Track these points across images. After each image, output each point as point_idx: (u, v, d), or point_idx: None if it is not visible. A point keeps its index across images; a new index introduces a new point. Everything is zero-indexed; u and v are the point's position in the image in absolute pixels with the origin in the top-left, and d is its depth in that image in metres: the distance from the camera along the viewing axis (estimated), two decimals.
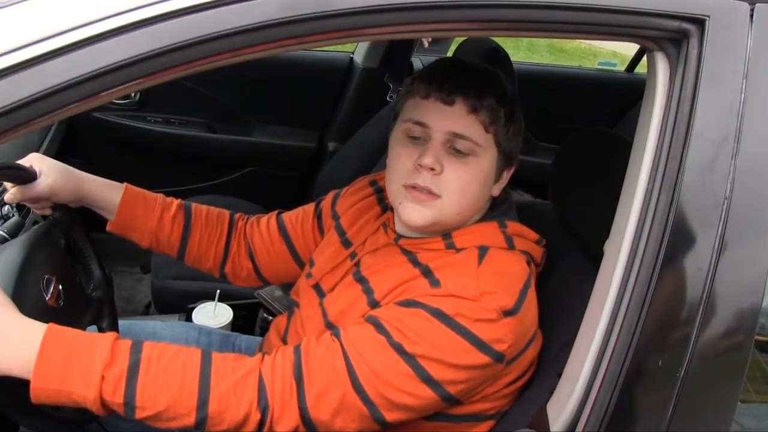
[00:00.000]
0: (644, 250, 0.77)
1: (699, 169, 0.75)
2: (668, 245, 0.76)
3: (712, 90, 0.75)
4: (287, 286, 1.39)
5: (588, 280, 0.86)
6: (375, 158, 1.93)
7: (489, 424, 0.98)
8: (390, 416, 0.87)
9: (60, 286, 0.98)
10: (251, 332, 1.55)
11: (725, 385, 0.81)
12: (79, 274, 1.10)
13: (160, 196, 1.21)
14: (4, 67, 0.62)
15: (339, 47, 2.62)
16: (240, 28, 0.64)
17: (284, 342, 1.13)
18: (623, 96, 2.82)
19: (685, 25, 0.74)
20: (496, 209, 1.03)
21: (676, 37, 0.75)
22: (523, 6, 0.71)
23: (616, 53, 5.77)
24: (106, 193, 1.15)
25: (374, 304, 0.96)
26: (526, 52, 6.65)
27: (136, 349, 0.82)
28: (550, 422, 0.84)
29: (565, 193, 1.14)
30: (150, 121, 2.40)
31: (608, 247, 0.83)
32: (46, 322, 0.81)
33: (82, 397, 0.79)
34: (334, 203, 1.22)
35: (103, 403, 0.79)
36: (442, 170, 0.94)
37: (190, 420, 0.82)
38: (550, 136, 2.53)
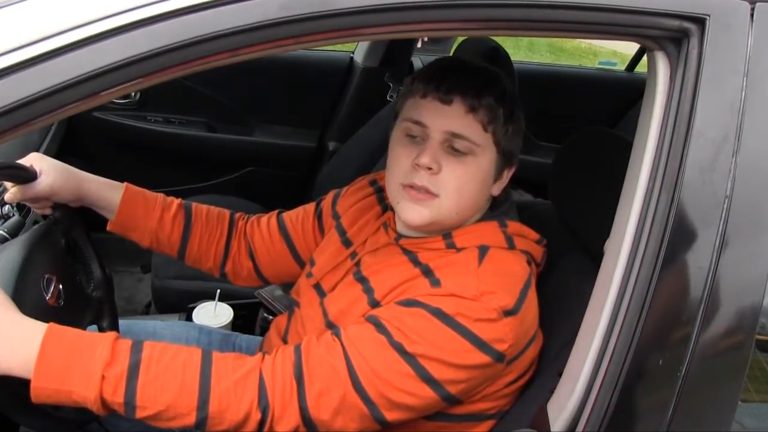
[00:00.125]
0: (645, 250, 0.77)
1: (699, 168, 0.75)
2: (669, 245, 0.76)
3: (713, 89, 0.75)
4: (287, 286, 1.39)
5: (588, 280, 0.86)
6: (375, 158, 1.93)
7: (489, 423, 0.98)
8: (390, 416, 0.87)
9: (60, 286, 0.98)
10: (251, 332, 1.55)
11: (726, 385, 0.81)
12: (79, 273, 1.10)
13: (161, 195, 1.21)
14: (4, 67, 0.62)
15: (339, 47, 2.62)
16: (238, 28, 0.64)
17: (285, 341, 1.13)
18: (623, 95, 2.82)
19: (686, 25, 0.74)
20: (496, 209, 1.03)
21: (676, 37, 0.75)
22: (523, 5, 0.71)
23: (616, 53, 5.77)
24: (106, 192, 1.15)
25: (374, 304, 0.96)
26: (527, 51, 6.64)
27: (136, 348, 0.82)
28: (550, 422, 0.84)
29: (566, 192, 1.14)
30: (150, 120, 2.40)
31: (608, 246, 0.83)
32: (47, 321, 0.81)
33: (82, 396, 0.79)
34: (334, 203, 1.22)
35: (103, 402, 0.79)
36: (439, 170, 0.93)
37: (191, 419, 0.82)
38: (551, 136, 2.53)
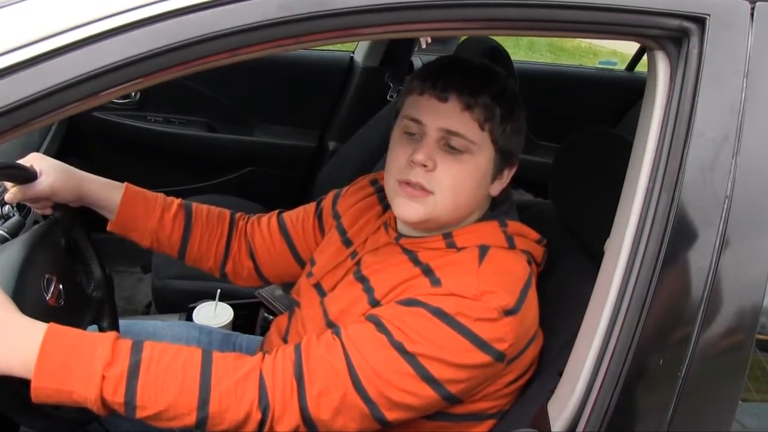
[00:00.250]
0: (645, 250, 0.77)
1: (700, 168, 0.75)
2: (669, 244, 0.76)
3: (713, 89, 0.75)
4: (288, 286, 1.39)
5: (588, 280, 0.86)
6: (375, 158, 1.92)
7: (490, 423, 0.98)
8: (391, 415, 0.87)
9: (60, 286, 0.98)
10: (252, 332, 1.55)
11: (726, 385, 0.81)
12: (79, 273, 1.10)
13: (161, 195, 1.21)
14: (4, 67, 0.62)
15: (339, 46, 2.61)
16: (238, 27, 0.64)
17: (285, 341, 1.13)
18: (624, 95, 2.81)
19: (686, 24, 0.74)
20: (496, 209, 1.03)
21: (676, 36, 0.75)
22: (523, 5, 0.71)
23: (616, 52, 5.77)
24: (106, 192, 1.15)
25: (375, 303, 0.96)
26: (527, 51, 6.64)
27: (136, 348, 0.82)
28: (550, 421, 0.84)
29: (566, 192, 1.14)
30: (150, 120, 2.40)
31: (609, 246, 0.83)
32: (47, 321, 0.81)
33: (82, 396, 0.79)
34: (334, 203, 1.22)
35: (103, 402, 0.79)
36: (435, 167, 0.94)
37: (191, 419, 0.82)
38: (551, 136, 2.53)
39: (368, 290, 0.99)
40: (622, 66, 3.07)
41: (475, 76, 0.97)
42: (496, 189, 1.00)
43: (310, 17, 0.65)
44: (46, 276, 0.96)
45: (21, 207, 1.33)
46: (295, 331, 1.12)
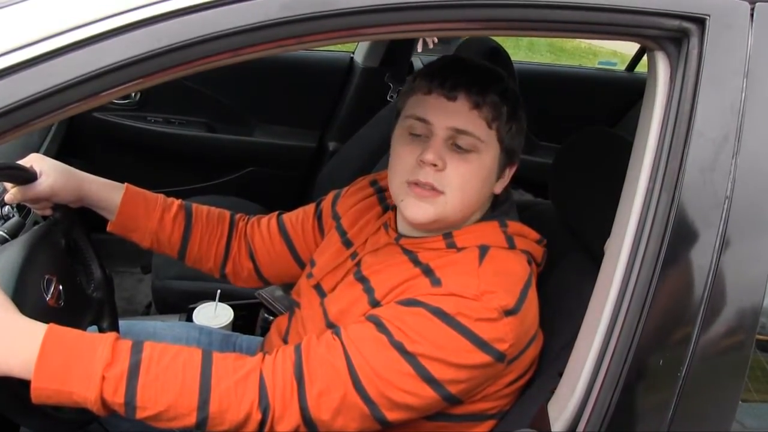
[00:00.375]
0: (645, 250, 0.77)
1: (700, 168, 0.75)
2: (669, 245, 0.76)
3: (713, 89, 0.75)
4: (288, 286, 1.39)
5: (589, 280, 0.86)
6: (375, 158, 1.92)
7: (490, 423, 0.98)
8: (391, 416, 0.87)
9: (60, 287, 0.98)
10: (252, 332, 1.55)
11: (726, 385, 0.81)
12: (79, 274, 1.10)
13: (161, 196, 1.21)
14: (4, 67, 0.62)
15: (339, 47, 2.62)
16: (240, 28, 0.64)
17: (285, 342, 1.13)
18: (623, 95, 2.82)
19: (686, 25, 0.74)
20: (496, 209, 1.03)
21: (676, 37, 0.75)
22: (523, 5, 0.71)
23: (616, 53, 5.77)
24: (106, 193, 1.15)
25: (375, 304, 0.96)
26: (527, 51, 6.64)
27: (136, 349, 0.82)
28: (551, 422, 0.84)
29: (566, 192, 1.14)
30: (150, 121, 2.40)
31: (609, 246, 0.83)
32: (47, 322, 0.81)
33: (82, 397, 0.79)
34: (334, 203, 1.22)
35: (103, 403, 0.79)
36: (444, 166, 0.93)
37: (191, 420, 0.82)
38: (551, 136, 2.53)
39: (368, 290, 0.99)
40: (622, 66, 3.07)
41: (482, 75, 0.97)
42: (499, 188, 1.01)
43: (312, 17, 0.65)
44: (46, 277, 0.96)
45: (21, 208, 1.33)
46: (296, 332, 1.12)
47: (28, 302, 0.88)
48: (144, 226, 1.17)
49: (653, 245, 0.76)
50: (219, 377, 0.83)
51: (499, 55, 1.68)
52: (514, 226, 1.00)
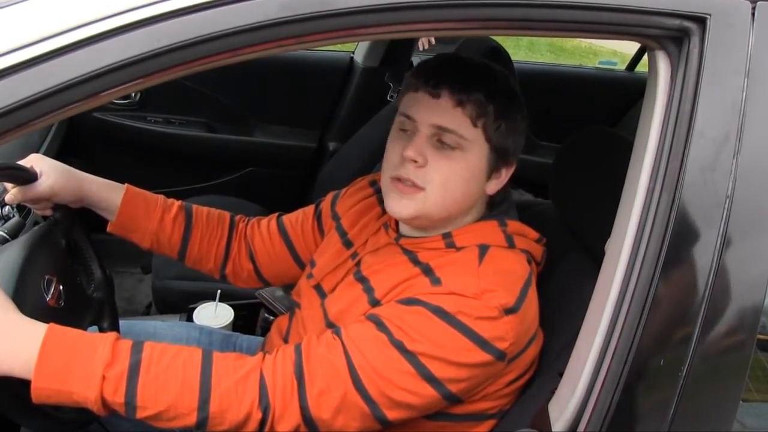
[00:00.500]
0: (646, 250, 0.77)
1: (700, 167, 0.75)
2: (670, 244, 0.76)
3: (714, 88, 0.74)
4: (288, 287, 1.39)
5: (589, 280, 0.86)
6: (376, 158, 1.92)
7: (490, 423, 0.98)
8: (391, 415, 0.87)
9: (60, 287, 0.98)
10: (252, 332, 1.55)
11: (727, 385, 0.81)
12: (79, 274, 1.10)
13: (161, 197, 1.21)
14: (4, 67, 0.62)
15: (339, 47, 2.61)
16: (239, 28, 0.64)
17: (286, 342, 1.13)
18: (624, 95, 2.81)
19: (686, 24, 0.74)
20: (496, 208, 1.03)
21: (677, 36, 0.75)
22: (523, 5, 0.71)
23: (616, 52, 5.77)
24: (106, 193, 1.15)
25: (375, 303, 0.96)
26: (527, 51, 6.64)
27: (136, 349, 0.82)
28: (551, 422, 0.83)
29: (566, 192, 1.14)
30: (150, 121, 2.40)
31: (609, 246, 0.83)
32: (47, 322, 0.81)
33: (83, 397, 0.79)
34: (333, 204, 1.22)
35: (103, 403, 0.79)
36: (425, 163, 0.94)
37: (192, 420, 0.82)
38: (551, 136, 2.53)
39: (368, 290, 0.99)
40: (622, 66, 3.07)
41: (469, 72, 0.96)
42: (492, 188, 1.00)
43: (311, 17, 0.65)
44: (47, 277, 0.96)
45: (21, 208, 1.33)
46: (296, 332, 1.12)
47: (28, 302, 0.88)
48: (144, 226, 1.17)
49: (654, 245, 0.76)
50: (219, 377, 0.83)
51: (499, 55, 1.69)
52: (514, 225, 1.00)
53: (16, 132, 0.65)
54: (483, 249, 0.95)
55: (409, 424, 0.91)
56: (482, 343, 0.86)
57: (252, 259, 1.25)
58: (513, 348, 0.89)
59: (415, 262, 0.98)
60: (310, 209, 1.26)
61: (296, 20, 0.65)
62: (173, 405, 0.81)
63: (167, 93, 2.36)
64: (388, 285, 0.96)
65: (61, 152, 2.05)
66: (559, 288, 1.06)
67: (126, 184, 1.18)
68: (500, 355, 0.88)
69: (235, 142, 2.47)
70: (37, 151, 1.57)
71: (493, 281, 0.89)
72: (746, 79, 0.75)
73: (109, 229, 1.17)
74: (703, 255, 0.76)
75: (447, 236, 0.99)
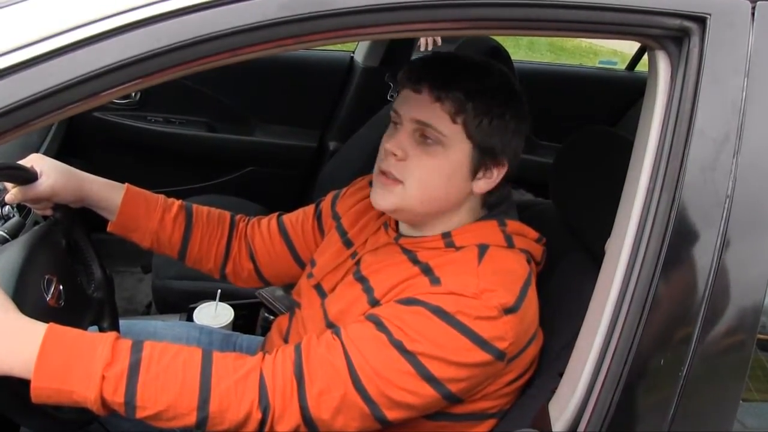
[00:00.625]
0: (646, 250, 0.77)
1: (700, 167, 0.75)
2: (670, 244, 0.76)
3: (714, 88, 0.74)
4: (288, 286, 1.39)
5: (589, 280, 0.86)
6: (375, 158, 1.92)
7: (490, 423, 0.98)
8: (391, 415, 0.87)
9: (61, 287, 0.98)
10: (252, 332, 1.55)
11: (727, 384, 0.81)
12: (79, 274, 1.10)
13: (161, 196, 1.21)
14: (4, 67, 0.62)
15: (339, 46, 2.61)
16: (238, 28, 0.64)
17: (286, 342, 1.13)
18: (624, 95, 2.81)
19: (687, 24, 0.74)
20: (495, 208, 1.03)
21: (677, 36, 0.75)
22: (523, 5, 0.71)
23: (616, 52, 5.77)
24: (107, 193, 1.15)
25: (374, 303, 0.96)
26: (527, 51, 6.64)
27: (136, 348, 0.82)
28: (551, 422, 0.83)
29: (567, 192, 1.14)
30: (150, 120, 2.40)
31: (610, 246, 0.83)
32: (47, 322, 0.81)
33: (82, 396, 0.79)
34: (334, 204, 1.22)
35: (103, 402, 0.79)
36: (405, 157, 0.94)
37: (191, 419, 0.82)
38: (551, 135, 2.52)
39: (368, 290, 0.99)
40: (622, 66, 3.07)
41: (452, 70, 0.96)
42: (481, 187, 0.98)
43: (311, 17, 0.65)
44: (47, 277, 0.96)
45: (21, 208, 1.33)
46: (296, 332, 1.12)
47: (28, 302, 0.88)
48: (144, 226, 1.17)
49: (654, 245, 0.76)
50: (219, 377, 0.83)
51: (499, 54, 1.69)
52: (513, 225, 1.00)
53: (16, 132, 0.65)
54: (482, 249, 0.95)
55: (409, 424, 0.91)
56: (482, 343, 0.86)
57: (252, 258, 1.25)
58: (513, 348, 0.89)
59: (415, 261, 0.98)
60: (310, 209, 1.26)
61: (295, 20, 0.65)
62: (173, 405, 0.81)
63: (167, 93, 2.36)
64: (387, 285, 0.96)
65: (61, 152, 2.05)
66: (559, 288, 1.05)
67: (126, 184, 1.18)
68: (500, 355, 0.88)
69: (236, 141, 2.47)
70: (37, 151, 1.57)
71: (492, 281, 0.89)
72: (746, 79, 0.75)
73: (109, 228, 1.17)
74: (703, 255, 0.76)
75: (446, 236, 0.99)
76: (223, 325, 1.52)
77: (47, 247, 1.02)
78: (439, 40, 3.00)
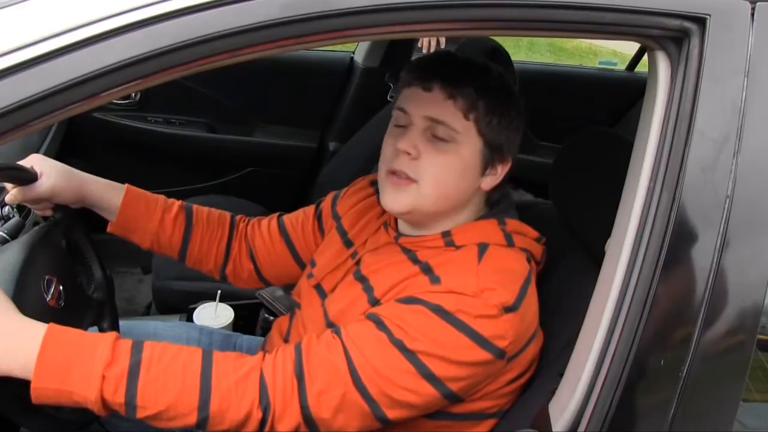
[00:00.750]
0: (646, 250, 0.77)
1: (700, 167, 0.75)
2: (670, 244, 0.76)
3: (714, 88, 0.74)
4: (288, 287, 1.39)
5: (589, 280, 0.86)
6: (375, 158, 1.89)
7: (490, 422, 0.98)
8: (391, 414, 0.87)
9: (60, 287, 0.98)
10: (252, 332, 1.55)
11: (727, 385, 0.81)
12: (79, 275, 1.10)
13: (161, 197, 1.21)
14: (4, 68, 0.62)
15: (340, 47, 2.61)
16: (239, 28, 0.64)
17: (286, 342, 1.13)
18: (624, 95, 2.81)
19: (686, 24, 0.74)
20: (495, 207, 1.03)
21: (677, 36, 0.75)
22: (523, 5, 0.71)
23: (616, 52, 5.77)
24: (107, 193, 1.15)
25: (374, 302, 0.96)
26: (527, 51, 6.64)
27: (137, 348, 0.82)
28: (552, 422, 0.83)
29: (567, 192, 1.14)
30: (151, 121, 2.40)
31: (610, 246, 0.83)
32: (47, 322, 0.81)
33: (83, 397, 0.79)
34: (334, 204, 1.22)
35: (104, 403, 0.79)
36: (419, 155, 0.94)
37: (192, 419, 0.82)
38: (551, 136, 2.53)
39: (368, 289, 0.99)
40: (622, 66, 3.07)
41: (459, 67, 0.97)
42: (488, 183, 0.99)
43: (311, 18, 0.65)
44: (47, 277, 0.96)
45: (21, 208, 1.33)
46: (296, 332, 1.12)
47: (28, 303, 0.88)
48: (144, 227, 1.17)
49: (654, 245, 0.76)
50: (219, 376, 0.83)
51: (499, 55, 1.69)
52: (513, 224, 1.00)
53: (16, 132, 0.65)
54: (482, 247, 0.95)
55: (410, 424, 0.91)
56: (482, 342, 0.86)
57: (252, 259, 1.25)
58: (513, 346, 0.89)
59: (415, 260, 0.98)
60: (310, 209, 1.26)
61: (296, 21, 0.65)
62: (173, 405, 0.81)
63: (168, 93, 2.36)
64: (387, 284, 0.96)
65: (61, 152, 2.05)
66: (560, 288, 1.06)
67: (126, 185, 1.18)
68: (500, 354, 0.88)
69: (236, 142, 2.47)
70: (37, 151, 1.57)
71: (492, 280, 0.89)
72: (746, 79, 0.75)
73: (109, 229, 1.17)
74: (703, 255, 0.76)
75: (446, 234, 0.99)
76: (224, 325, 1.52)
77: (47, 248, 1.02)
78: (443, 41, 3.00)
